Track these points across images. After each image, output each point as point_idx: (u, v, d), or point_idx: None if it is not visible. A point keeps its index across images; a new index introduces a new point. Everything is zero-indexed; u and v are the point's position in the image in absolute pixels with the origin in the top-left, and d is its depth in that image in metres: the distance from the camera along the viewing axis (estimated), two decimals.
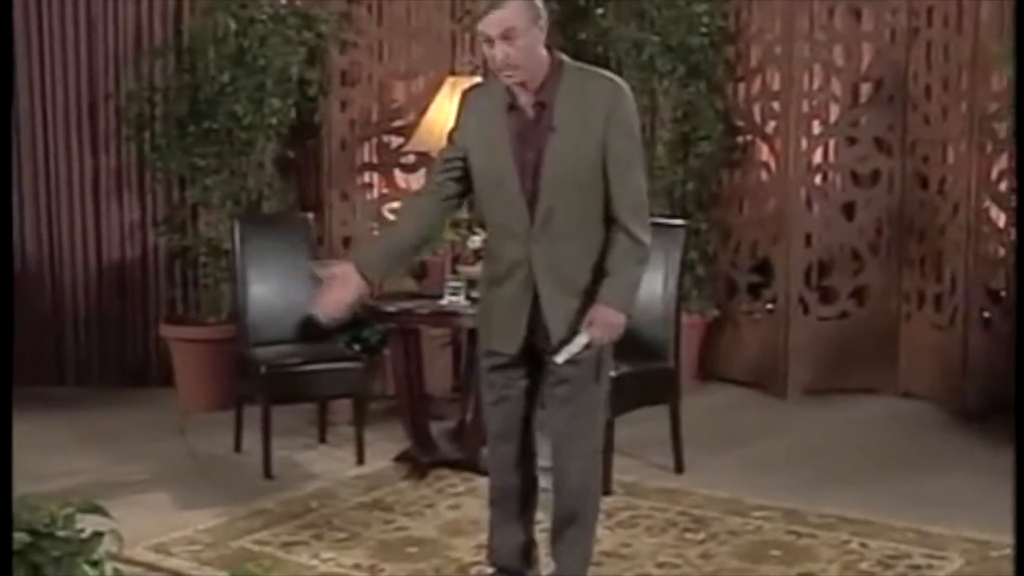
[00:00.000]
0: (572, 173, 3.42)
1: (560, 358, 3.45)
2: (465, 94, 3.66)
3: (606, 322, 3.44)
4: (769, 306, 6.67)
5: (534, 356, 3.56)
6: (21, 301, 6.67)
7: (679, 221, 5.33)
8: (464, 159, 3.54)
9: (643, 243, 3.48)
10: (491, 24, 3.33)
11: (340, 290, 3.53)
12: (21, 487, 3.79)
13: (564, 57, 3.48)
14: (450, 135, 3.63)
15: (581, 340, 3.44)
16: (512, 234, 3.50)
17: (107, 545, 2.97)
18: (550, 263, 3.47)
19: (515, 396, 3.63)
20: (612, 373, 3.73)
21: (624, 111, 3.44)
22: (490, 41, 3.34)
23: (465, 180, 3.57)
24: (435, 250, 5.26)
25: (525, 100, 3.44)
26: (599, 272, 3.47)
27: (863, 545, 4.36)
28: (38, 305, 6.71)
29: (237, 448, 5.45)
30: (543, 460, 3.73)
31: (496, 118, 3.47)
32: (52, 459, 5.34)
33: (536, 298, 3.49)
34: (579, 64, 3.54)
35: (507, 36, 3.32)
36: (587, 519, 3.69)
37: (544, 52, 3.43)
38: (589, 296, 3.47)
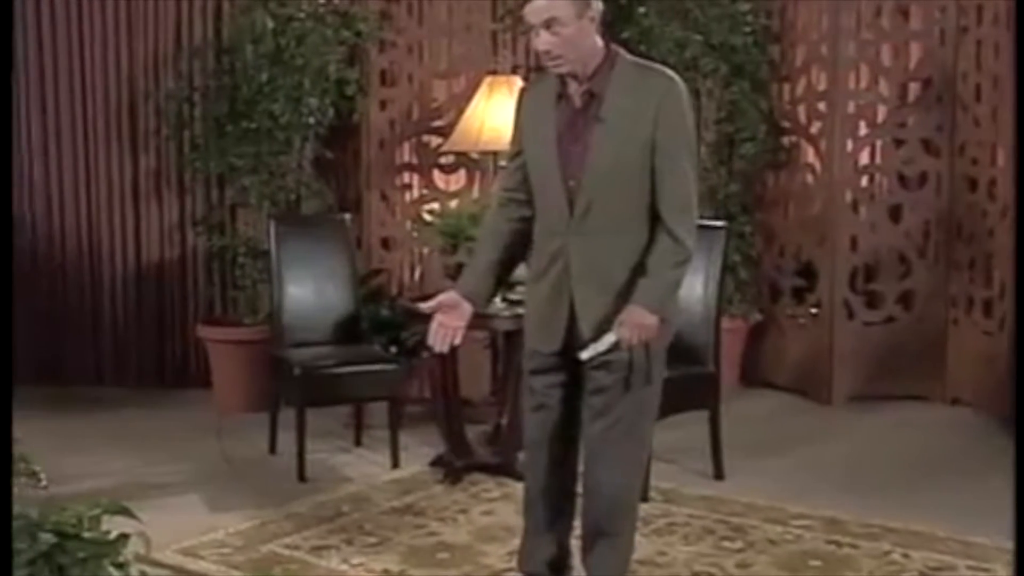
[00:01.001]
0: (616, 167, 3.36)
1: (585, 354, 3.39)
2: (521, 92, 3.67)
3: (636, 322, 3.36)
4: (813, 310, 6.59)
5: (576, 361, 3.50)
6: (62, 300, 6.73)
7: (720, 223, 5.26)
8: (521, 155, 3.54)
9: (685, 245, 3.39)
10: (534, 12, 3.33)
11: (452, 319, 3.52)
12: (55, 487, 3.82)
13: (620, 50, 3.44)
14: (512, 137, 3.61)
15: (609, 339, 3.37)
16: (553, 227, 3.46)
17: (133, 547, 2.96)
18: (587, 259, 3.41)
19: (553, 403, 3.58)
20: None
21: (676, 108, 3.36)
22: (535, 29, 3.33)
23: None
24: None
25: (574, 89, 3.40)
26: (639, 273, 3.40)
27: (905, 556, 4.27)
28: (77, 305, 6.75)
29: (272, 450, 5.44)
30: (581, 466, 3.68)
31: (546, 108, 3.45)
32: (87, 459, 5.35)
33: (572, 295, 3.45)
34: (635, 59, 3.48)
35: (549, 25, 3.30)
36: (619, 532, 3.61)
37: (598, 43, 3.39)
38: (625, 298, 3.40)
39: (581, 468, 3.66)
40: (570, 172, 3.39)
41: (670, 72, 3.44)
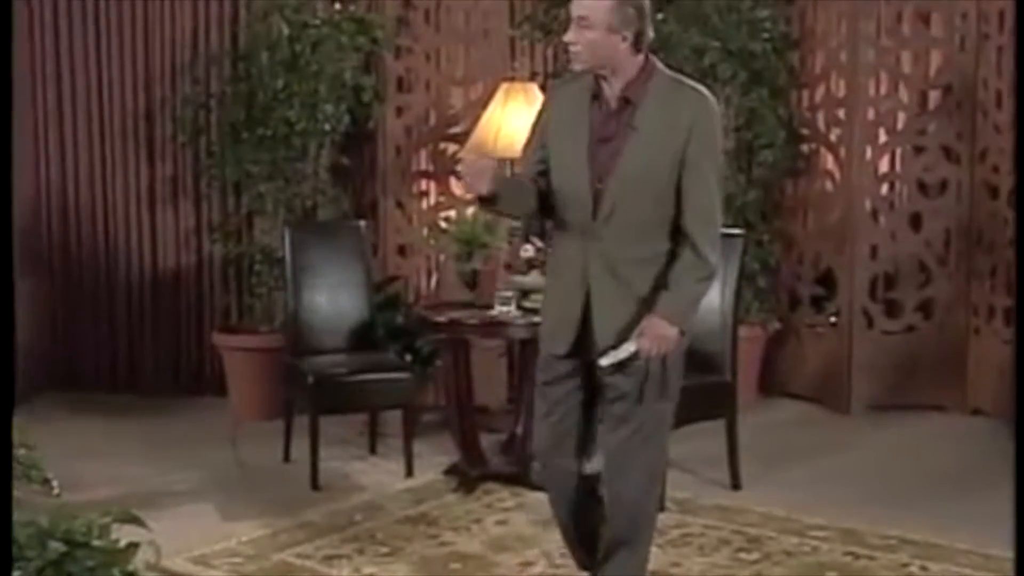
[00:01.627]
0: (645, 176, 3.39)
1: (604, 361, 3.40)
2: (554, 86, 3.73)
3: (657, 334, 3.39)
4: (832, 319, 6.56)
5: (592, 368, 3.50)
6: (78, 307, 6.75)
7: (737, 231, 5.24)
8: (545, 148, 3.56)
9: (709, 260, 3.43)
10: (576, 5, 3.40)
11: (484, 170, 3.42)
12: (68, 494, 3.83)
13: (659, 64, 3.48)
14: (533, 127, 3.64)
15: (628, 347, 3.38)
16: (573, 228, 3.48)
17: (144, 555, 2.96)
18: (606, 263, 3.43)
19: (565, 412, 3.57)
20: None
21: (708, 125, 3.42)
22: (572, 21, 3.41)
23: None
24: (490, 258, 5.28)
25: (610, 93, 3.44)
26: (659, 284, 3.42)
27: (924, 568, 4.25)
28: (92, 311, 6.75)
29: (286, 458, 5.44)
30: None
31: (579, 106, 3.48)
32: (101, 466, 5.36)
33: (588, 298, 3.45)
34: (672, 73, 3.52)
35: (581, 22, 3.38)
36: (639, 542, 3.62)
37: (633, 59, 3.40)
38: (644, 306, 3.42)
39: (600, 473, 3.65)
40: (598, 175, 3.42)
41: (704, 89, 3.48)
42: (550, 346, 3.57)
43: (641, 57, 3.42)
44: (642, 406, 3.47)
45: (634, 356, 3.38)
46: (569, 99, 3.53)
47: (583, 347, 3.49)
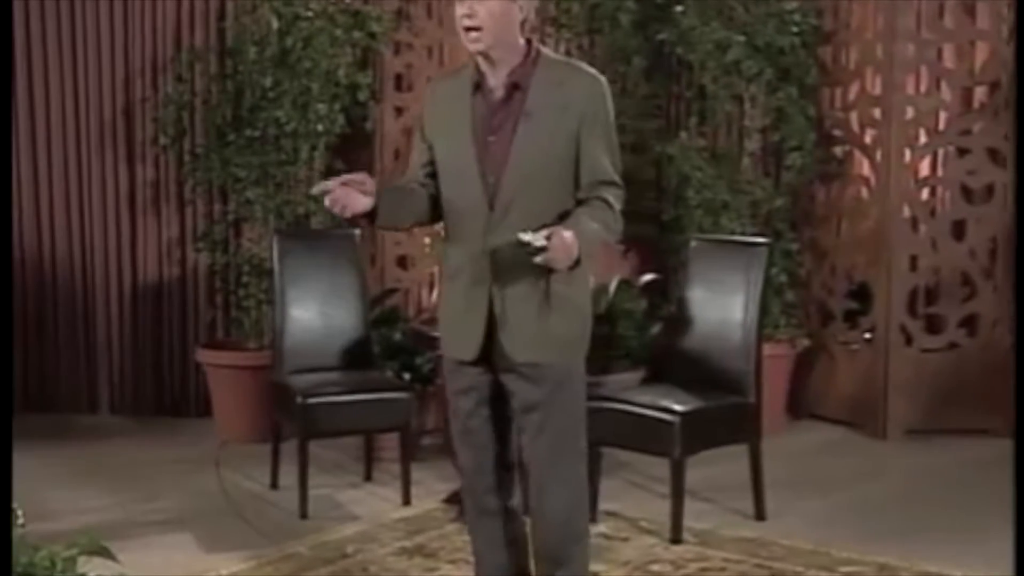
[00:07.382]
0: (542, 163, 3.41)
1: (525, 236, 3.26)
2: (432, 82, 3.74)
3: (567, 246, 3.27)
4: (867, 336, 6.56)
5: (498, 374, 3.51)
6: (52, 323, 6.76)
7: (760, 239, 5.23)
8: (432, 149, 3.56)
9: (618, 219, 3.46)
10: None
11: (352, 191, 3.37)
12: (37, 524, 3.82)
13: (543, 48, 3.53)
14: (420, 131, 3.64)
15: (541, 240, 3.24)
16: (469, 226, 3.48)
17: None
18: (508, 259, 3.42)
19: (479, 426, 3.57)
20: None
21: (601, 106, 3.47)
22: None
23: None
24: None
25: (495, 81, 3.46)
26: (561, 276, 3.41)
27: None
28: (70, 327, 6.77)
29: (274, 485, 5.44)
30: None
31: (460, 101, 3.50)
32: (76, 493, 5.37)
33: (492, 302, 3.47)
34: (558, 56, 3.62)
35: None
36: (574, 561, 3.60)
37: (520, 41, 3.44)
38: (552, 300, 3.43)
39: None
40: (490, 167, 3.43)
41: (594, 71, 3.52)
42: (455, 351, 3.58)
43: (524, 42, 3.46)
44: (557, 414, 3.49)
45: (535, 251, 3.26)
46: (447, 96, 3.54)
47: (491, 353, 3.49)
